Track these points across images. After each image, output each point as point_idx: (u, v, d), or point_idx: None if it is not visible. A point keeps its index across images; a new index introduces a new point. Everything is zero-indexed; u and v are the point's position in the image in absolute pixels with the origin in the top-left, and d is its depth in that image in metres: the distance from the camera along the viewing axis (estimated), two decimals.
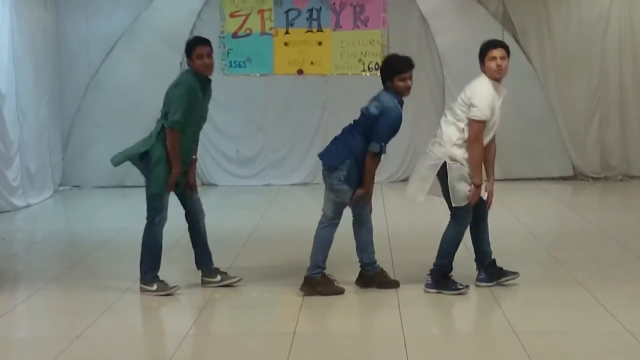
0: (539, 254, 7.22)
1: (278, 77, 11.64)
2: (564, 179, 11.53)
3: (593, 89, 11.43)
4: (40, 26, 10.68)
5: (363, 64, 11.56)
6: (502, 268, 6.03)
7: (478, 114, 5.63)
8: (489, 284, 6.00)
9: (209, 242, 6.25)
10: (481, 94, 5.69)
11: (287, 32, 11.54)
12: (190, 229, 6.21)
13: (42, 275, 6.77)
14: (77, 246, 8.20)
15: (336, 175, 5.78)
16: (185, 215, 6.18)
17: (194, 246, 6.23)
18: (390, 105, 5.79)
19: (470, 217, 5.83)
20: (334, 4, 11.50)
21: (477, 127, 5.65)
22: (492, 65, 5.73)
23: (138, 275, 6.21)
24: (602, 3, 11.32)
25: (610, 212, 9.97)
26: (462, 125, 5.73)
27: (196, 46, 5.91)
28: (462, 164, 5.70)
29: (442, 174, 5.74)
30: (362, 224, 6.04)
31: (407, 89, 5.84)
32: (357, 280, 6.11)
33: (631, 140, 11.50)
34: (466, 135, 5.71)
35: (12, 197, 9.78)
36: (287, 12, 11.51)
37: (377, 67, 11.44)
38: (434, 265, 5.93)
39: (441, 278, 5.89)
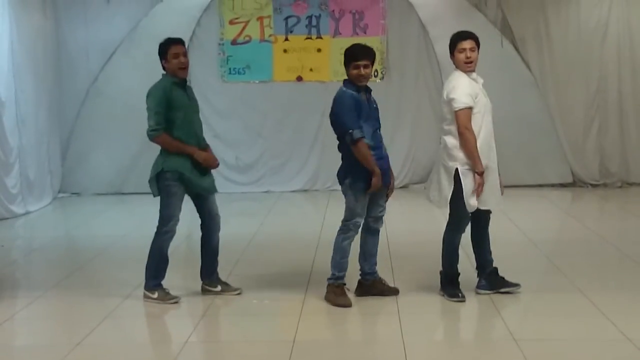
0: (538, 260, 7.21)
1: (277, 83, 11.66)
2: (563, 185, 11.54)
3: (592, 95, 11.45)
4: (39, 33, 10.69)
5: None
6: (503, 278, 6.03)
7: (457, 103, 5.64)
8: (489, 291, 6.00)
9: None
10: (455, 85, 5.71)
11: (286, 39, 11.57)
12: (203, 240, 6.18)
13: (42, 282, 6.77)
14: (77, 253, 8.19)
15: (346, 183, 5.85)
16: (201, 226, 6.17)
17: (202, 256, 6.20)
18: (335, 96, 5.87)
19: (468, 222, 5.81)
20: (333, 11, 11.52)
21: (462, 116, 5.63)
22: (462, 56, 5.74)
23: (138, 282, 6.24)
24: (601, 10, 11.34)
25: (609, 219, 9.97)
26: (455, 127, 5.72)
27: (171, 45, 5.91)
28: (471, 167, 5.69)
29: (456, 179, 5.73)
30: (370, 233, 6.03)
31: (359, 77, 5.79)
32: (356, 289, 6.10)
33: (630, 146, 11.52)
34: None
35: (11, 204, 9.78)
36: (286, 19, 11.54)
37: (376, 74, 11.49)
38: (441, 268, 5.97)
39: (446, 282, 5.90)
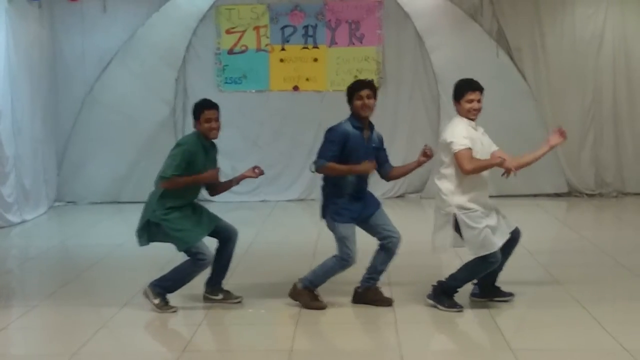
0: (534, 270, 7.21)
1: (274, 93, 11.68)
2: (558, 195, 11.56)
3: (587, 106, 11.49)
4: (36, 42, 10.70)
5: None
6: (499, 288, 6.05)
7: (456, 146, 5.68)
8: (481, 299, 6.03)
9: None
10: (452, 130, 5.78)
11: (282, 49, 11.59)
12: (220, 249, 6.16)
13: (37, 291, 6.76)
14: (73, 263, 8.17)
15: (328, 218, 5.94)
16: (219, 241, 6.18)
17: (214, 265, 6.15)
18: (332, 126, 5.95)
19: (499, 259, 5.75)
20: (330, 20, 11.55)
21: (461, 157, 5.65)
22: (468, 106, 5.80)
23: (134, 291, 6.23)
24: (596, 21, 11.39)
25: (605, 229, 9.99)
26: (451, 170, 5.77)
27: (204, 110, 5.97)
28: (469, 209, 5.71)
29: (455, 224, 5.75)
30: (383, 250, 6.03)
31: (364, 107, 5.87)
32: (352, 297, 6.12)
33: (625, 157, 11.56)
34: (458, 178, 5.72)
35: (7, 213, 9.78)
36: (282, 28, 11.57)
37: None
38: (444, 279, 5.93)
39: (442, 293, 5.90)
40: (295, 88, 11.66)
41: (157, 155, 11.56)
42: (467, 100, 5.80)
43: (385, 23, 11.54)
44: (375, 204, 6.04)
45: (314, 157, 11.84)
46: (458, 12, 11.44)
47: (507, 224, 5.92)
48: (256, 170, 6.22)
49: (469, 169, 5.63)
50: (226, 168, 11.56)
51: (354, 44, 11.56)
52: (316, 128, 11.57)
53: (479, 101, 5.82)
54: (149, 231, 5.94)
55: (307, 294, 5.98)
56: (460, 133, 5.72)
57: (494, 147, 5.92)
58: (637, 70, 11.45)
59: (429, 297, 5.96)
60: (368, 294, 6.07)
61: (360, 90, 5.88)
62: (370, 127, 6.01)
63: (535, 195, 11.44)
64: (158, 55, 11.47)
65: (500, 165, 5.74)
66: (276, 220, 10.28)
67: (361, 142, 5.89)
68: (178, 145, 5.98)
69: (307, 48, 11.59)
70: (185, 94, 11.66)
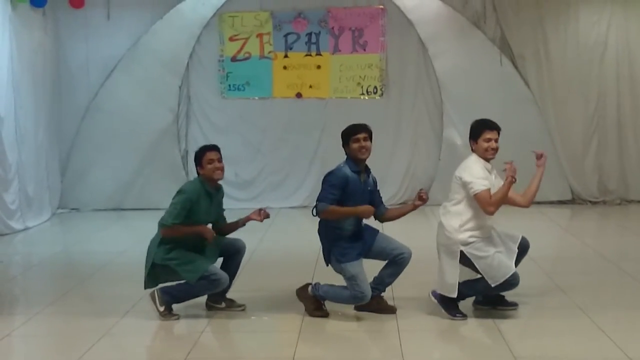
0: (538, 278, 7.19)
1: (277, 100, 11.70)
2: (562, 202, 11.54)
3: (591, 113, 11.49)
4: (39, 49, 10.73)
5: (361, 87, 11.62)
6: (503, 296, 6.04)
7: (476, 187, 5.70)
8: (484, 307, 6.02)
9: None
10: (470, 170, 5.78)
11: (286, 56, 11.61)
12: (227, 259, 6.19)
13: (40, 299, 6.74)
14: (76, 269, 8.16)
15: (334, 262, 5.92)
16: (227, 256, 6.21)
17: None
18: (331, 170, 5.92)
19: (518, 279, 5.74)
20: (333, 28, 11.57)
21: (482, 198, 5.68)
22: (486, 145, 5.81)
23: (137, 299, 6.22)
24: (600, 28, 11.39)
25: (608, 236, 9.97)
26: (460, 207, 5.79)
27: (206, 152, 6.00)
28: (472, 242, 5.72)
29: (464, 259, 5.76)
30: (394, 265, 6.02)
31: (361, 149, 5.86)
32: (356, 305, 6.10)
33: (629, 164, 11.54)
34: (465, 216, 5.75)
35: (10, 220, 9.79)
36: (286, 36, 11.59)
37: (375, 91, 11.53)
38: None
39: (450, 301, 5.89)
40: (299, 95, 11.68)
41: (161, 162, 11.69)
42: (485, 140, 5.81)
43: (389, 30, 11.55)
44: (372, 232, 6.05)
45: (316, 163, 12.00)
46: (461, 20, 11.46)
47: (511, 239, 5.91)
48: (262, 213, 6.23)
49: (493, 210, 5.68)
50: (229, 174, 11.59)
51: (357, 51, 11.57)
52: (319, 135, 11.62)
53: (496, 141, 5.83)
54: (155, 273, 5.94)
55: (313, 301, 5.99)
56: (479, 174, 5.74)
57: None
58: None
59: (435, 295, 5.95)
60: (372, 302, 6.05)
61: (356, 134, 5.87)
62: (367, 171, 6.01)
63: (538, 203, 11.36)
64: (161, 63, 11.50)
65: (512, 183, 5.79)
66: (279, 227, 10.27)
67: (359, 185, 5.89)
68: (180, 192, 5.94)
69: (310, 55, 11.61)
70: (189, 101, 11.69)
